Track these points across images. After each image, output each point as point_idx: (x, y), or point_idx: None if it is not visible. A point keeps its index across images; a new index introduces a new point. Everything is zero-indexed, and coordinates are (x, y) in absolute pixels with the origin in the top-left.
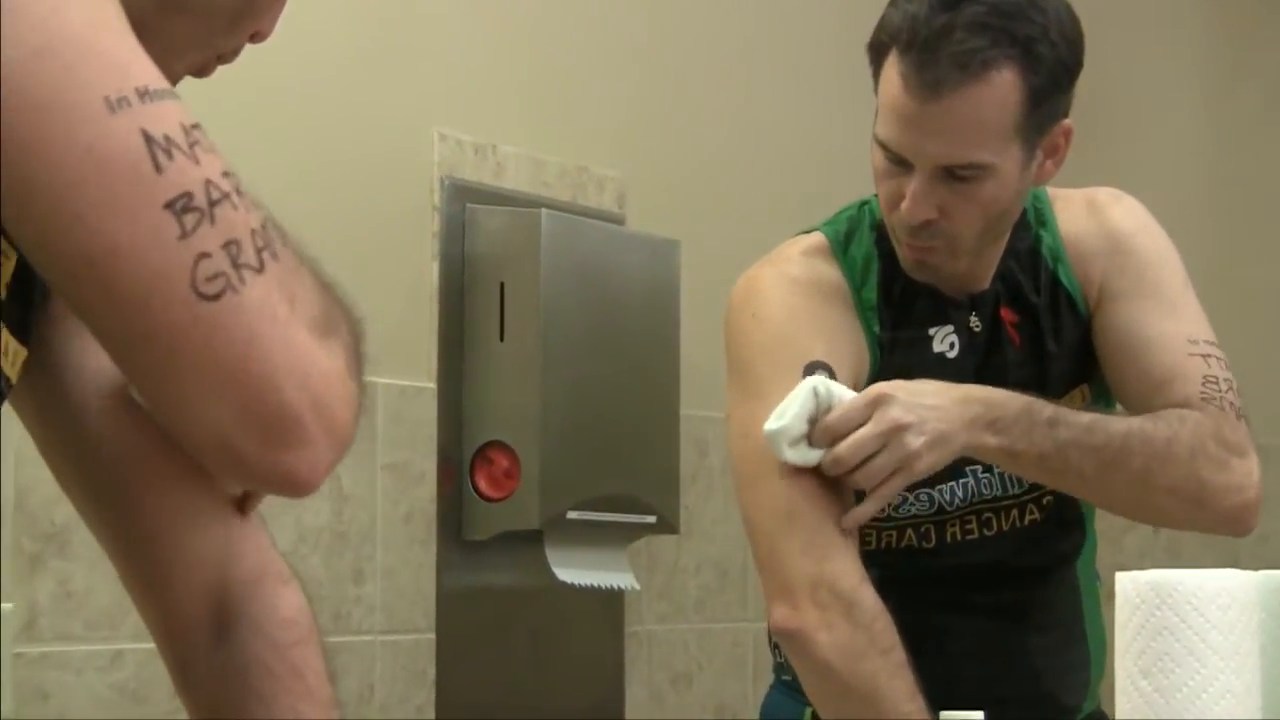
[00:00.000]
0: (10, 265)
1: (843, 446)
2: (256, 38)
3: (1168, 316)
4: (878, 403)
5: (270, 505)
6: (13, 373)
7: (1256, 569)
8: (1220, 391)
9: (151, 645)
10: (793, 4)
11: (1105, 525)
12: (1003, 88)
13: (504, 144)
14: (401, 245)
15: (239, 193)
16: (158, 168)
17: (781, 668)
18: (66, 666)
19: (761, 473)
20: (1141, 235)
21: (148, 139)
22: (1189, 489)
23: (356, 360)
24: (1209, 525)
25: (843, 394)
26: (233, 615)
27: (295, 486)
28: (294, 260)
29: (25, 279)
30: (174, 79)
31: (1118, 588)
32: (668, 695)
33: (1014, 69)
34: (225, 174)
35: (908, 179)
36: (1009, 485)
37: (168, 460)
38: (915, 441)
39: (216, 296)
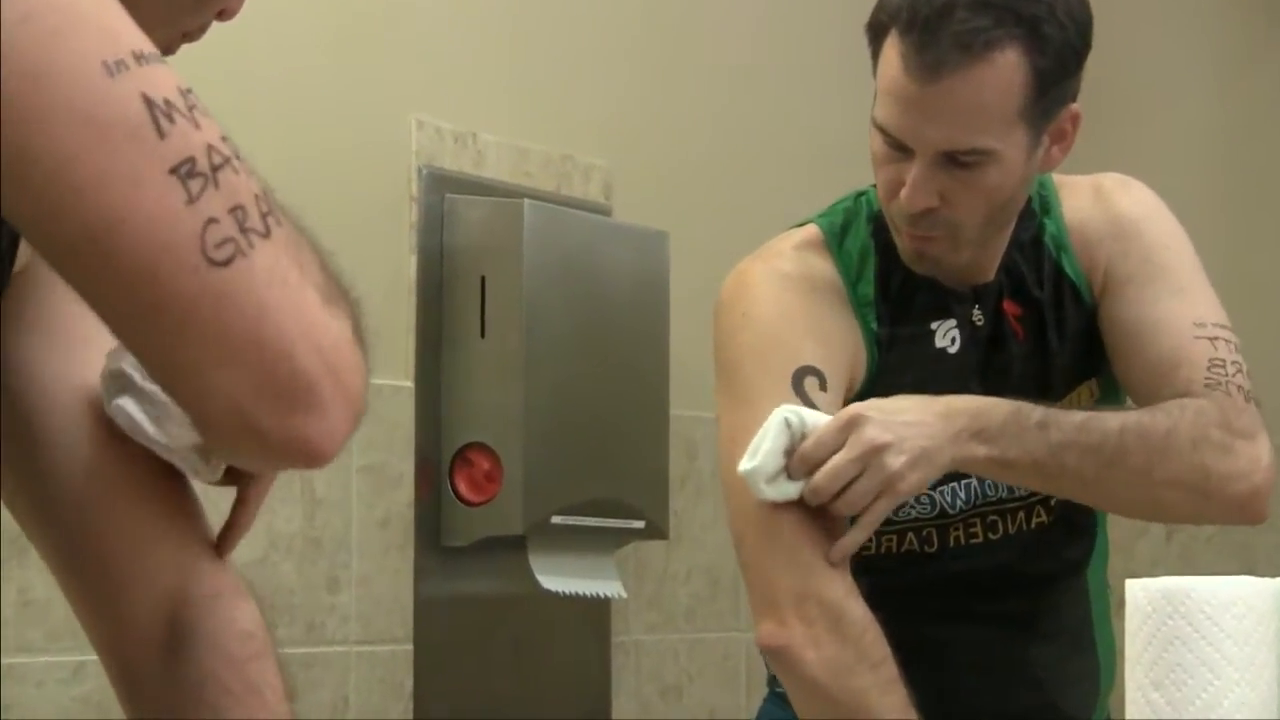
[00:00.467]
0: None
1: (819, 475)
2: (223, 15)
3: (1174, 299)
4: (851, 425)
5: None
6: None
7: (1274, 576)
8: (1227, 375)
9: None
10: None
11: (1116, 531)
12: (1007, 69)
13: (485, 131)
14: (378, 237)
15: (238, 157)
16: (160, 133)
17: (776, 679)
18: (26, 679)
19: (743, 483)
20: (1148, 219)
21: (149, 103)
22: (1193, 479)
23: (359, 334)
24: (1218, 516)
25: (817, 420)
26: (186, 630)
27: (311, 455)
28: (295, 228)
29: None
30: None
31: (1128, 595)
32: (656, 708)
33: (1019, 50)
34: (224, 138)
35: (907, 165)
36: (1015, 487)
37: (123, 472)
38: (896, 461)
39: (227, 263)
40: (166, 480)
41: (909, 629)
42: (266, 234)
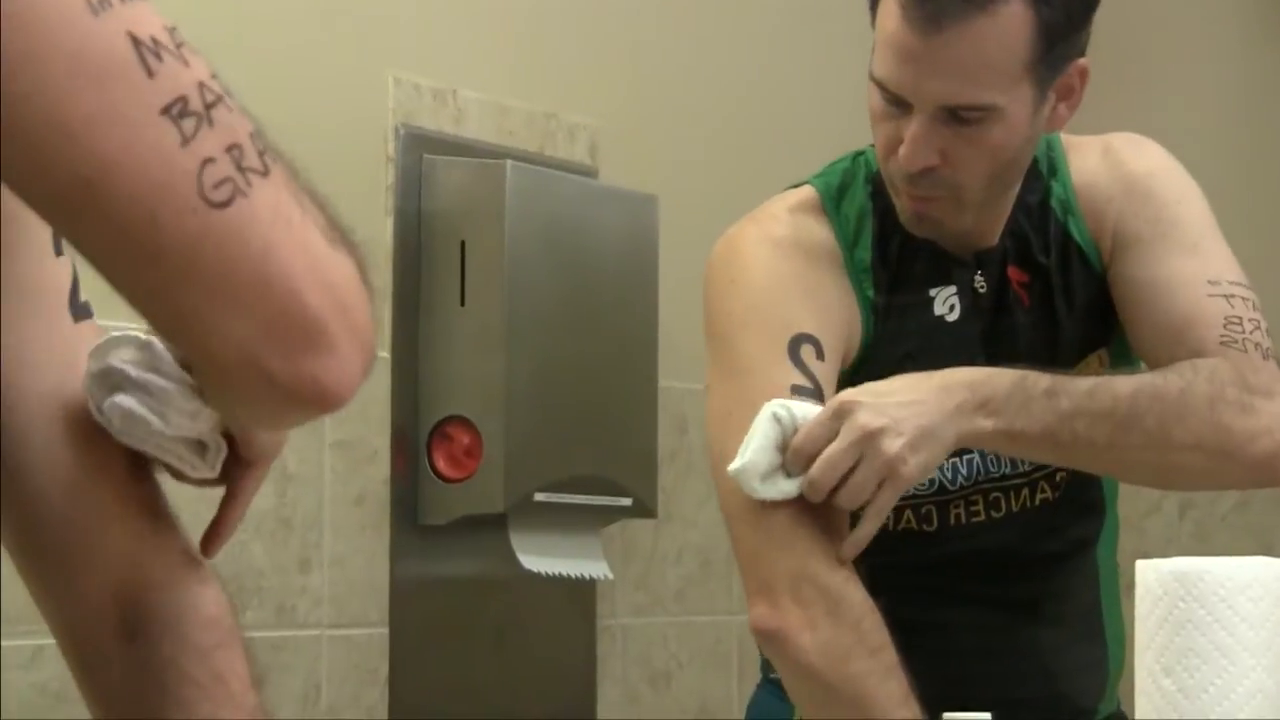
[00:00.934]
0: None
1: (815, 468)
2: None
3: (1186, 256)
4: (842, 413)
5: (202, 491)
6: None
7: None
8: (1244, 333)
9: None
10: None
11: (1126, 508)
12: (1012, 21)
13: (465, 89)
14: (352, 200)
15: (230, 95)
16: (149, 72)
17: (770, 665)
18: None
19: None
20: (1159, 177)
21: (135, 41)
22: (1213, 440)
23: (365, 275)
24: (1240, 478)
25: (808, 412)
26: (146, 615)
27: (326, 398)
28: (291, 169)
29: None
30: None
31: (1138, 577)
32: (644, 695)
33: (1024, 0)
34: (214, 76)
35: (906, 122)
36: (1019, 462)
37: (80, 455)
38: (894, 445)
39: (226, 203)
40: (125, 465)
41: (909, 613)
42: (265, 172)
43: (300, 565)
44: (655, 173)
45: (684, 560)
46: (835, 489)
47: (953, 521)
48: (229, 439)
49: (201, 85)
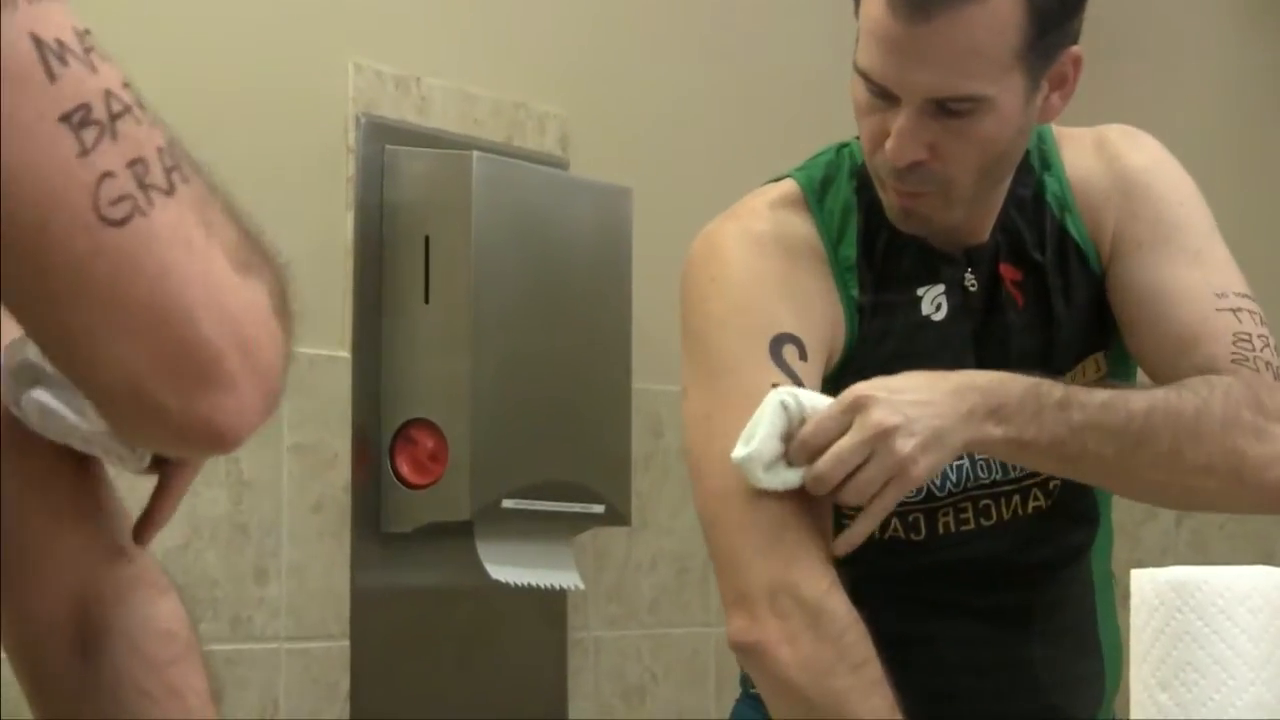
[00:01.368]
0: None
1: (823, 461)
2: None
3: (1191, 265)
4: (857, 406)
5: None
6: None
7: None
8: (1254, 350)
9: None
10: None
11: (1121, 516)
12: (1002, 8)
13: (429, 76)
14: (311, 192)
15: (141, 106)
16: (51, 75)
17: (749, 679)
18: None
19: (719, 461)
20: (1157, 175)
21: (38, 43)
22: (1226, 465)
23: (283, 304)
24: (1251, 504)
25: (816, 402)
26: (100, 627)
27: (218, 438)
28: (206, 186)
29: None
30: None
31: (1134, 587)
32: (618, 710)
33: None
34: (125, 85)
35: (893, 115)
36: (1010, 468)
37: (25, 464)
38: (906, 445)
39: (123, 221)
40: (74, 470)
41: (895, 625)
42: (170, 191)
43: (257, 575)
44: (629, 164)
45: (659, 569)
46: (839, 484)
47: (941, 530)
48: None
49: (108, 94)
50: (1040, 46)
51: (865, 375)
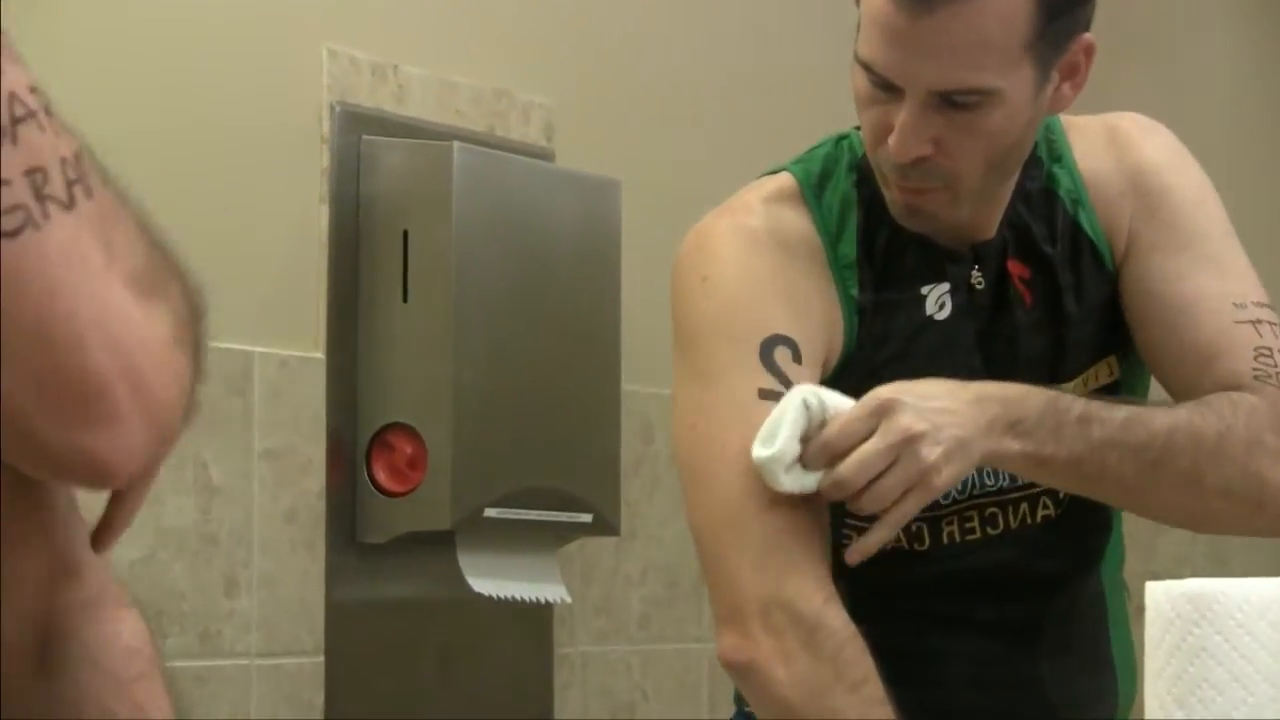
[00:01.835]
0: None
1: (846, 466)
2: None
3: (1210, 274)
4: (883, 410)
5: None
6: None
7: None
8: (1276, 366)
9: None
10: None
11: (1135, 525)
12: None
13: (407, 63)
14: (283, 185)
15: (48, 113)
16: None
17: (744, 697)
18: None
19: (709, 470)
20: (1173, 172)
21: None
22: (1246, 489)
23: (189, 333)
24: (1271, 529)
25: (839, 403)
26: (61, 644)
27: (99, 474)
28: (114, 202)
29: None
30: None
31: (1148, 600)
32: None
33: None
34: (32, 89)
35: (896, 108)
36: (1017, 475)
37: None
38: (931, 453)
39: (14, 234)
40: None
41: (896, 640)
42: (69, 205)
43: (226, 587)
44: (617, 155)
45: (649, 582)
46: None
47: (945, 539)
48: None
49: (12, 96)
50: (1050, 35)
51: (866, 379)
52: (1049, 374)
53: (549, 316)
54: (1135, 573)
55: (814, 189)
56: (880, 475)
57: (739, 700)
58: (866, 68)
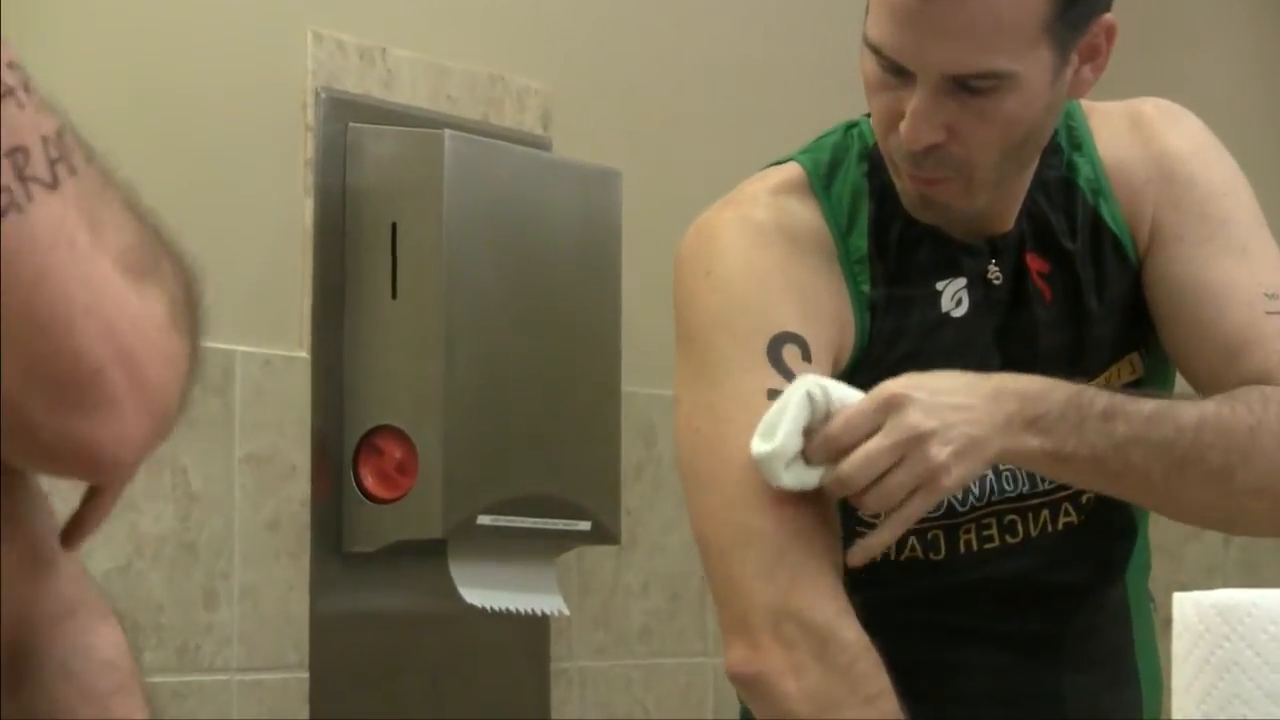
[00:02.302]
0: None
1: (850, 463)
2: None
3: (1238, 263)
4: (891, 406)
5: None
6: None
7: None
8: None
9: None
10: None
11: (1162, 534)
12: None
13: (396, 47)
14: (265, 176)
15: (27, 89)
16: None
17: (750, 712)
18: None
19: (715, 474)
20: (1200, 159)
21: None
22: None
23: (186, 314)
24: None
25: (845, 395)
26: (34, 657)
27: (95, 463)
28: (99, 180)
29: None
30: None
31: (1176, 611)
32: None
33: None
34: (10, 65)
35: (908, 93)
36: (1038, 480)
37: None
38: (940, 452)
39: None
40: None
41: (911, 653)
42: (53, 185)
43: (206, 599)
44: (617, 144)
45: (651, 593)
46: (864, 489)
47: (963, 548)
48: None
49: None
50: (1070, 16)
51: (877, 379)
52: (1069, 373)
53: (546, 314)
54: (1162, 583)
55: (823, 179)
56: (886, 473)
57: (745, 717)
58: (876, 51)
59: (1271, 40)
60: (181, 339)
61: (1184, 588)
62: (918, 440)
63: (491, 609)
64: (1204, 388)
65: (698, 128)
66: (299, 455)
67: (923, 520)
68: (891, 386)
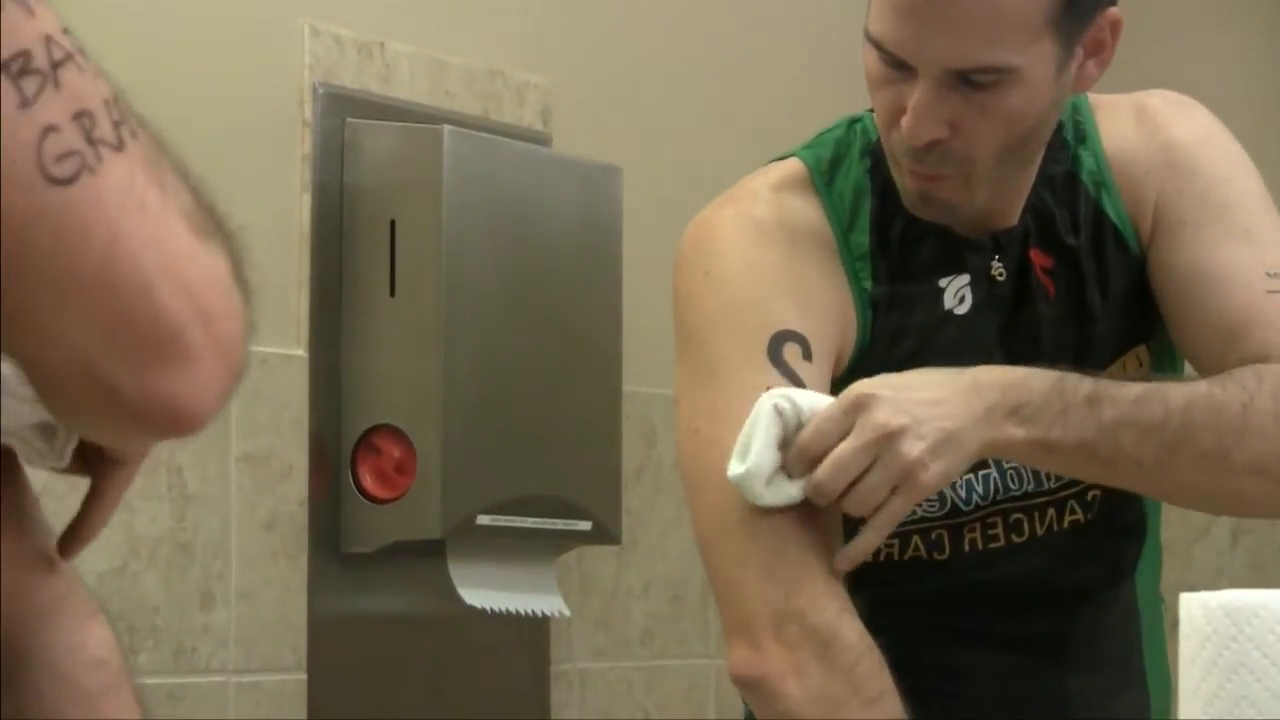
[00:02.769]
0: None
1: (822, 469)
2: None
3: (1239, 243)
4: (858, 407)
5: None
6: None
7: None
8: None
9: None
10: None
11: (1171, 533)
12: None
13: (394, 41)
14: (262, 172)
15: (83, 54)
16: None
17: (753, 715)
18: None
19: (714, 474)
20: (1206, 147)
21: None
22: (1277, 465)
23: (240, 275)
24: None
25: (814, 403)
26: (22, 656)
27: (180, 418)
28: (155, 143)
29: None
30: None
31: (1183, 613)
32: None
33: None
34: (65, 31)
35: (909, 87)
36: (1044, 477)
37: None
38: (914, 448)
39: (70, 180)
40: None
41: (916, 655)
42: (119, 146)
43: (202, 600)
44: (618, 140)
45: (652, 594)
46: (843, 493)
47: (967, 548)
48: None
49: (49, 39)
50: (1074, 10)
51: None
52: (1075, 368)
53: (545, 312)
54: (1170, 584)
55: (824, 176)
56: (862, 476)
57: (748, 718)
58: (878, 46)
59: (1277, 32)
60: (243, 296)
61: (1191, 589)
62: (888, 438)
63: (491, 610)
64: (1205, 369)
65: (698, 123)
66: (296, 455)
67: (927, 520)
68: (858, 387)
